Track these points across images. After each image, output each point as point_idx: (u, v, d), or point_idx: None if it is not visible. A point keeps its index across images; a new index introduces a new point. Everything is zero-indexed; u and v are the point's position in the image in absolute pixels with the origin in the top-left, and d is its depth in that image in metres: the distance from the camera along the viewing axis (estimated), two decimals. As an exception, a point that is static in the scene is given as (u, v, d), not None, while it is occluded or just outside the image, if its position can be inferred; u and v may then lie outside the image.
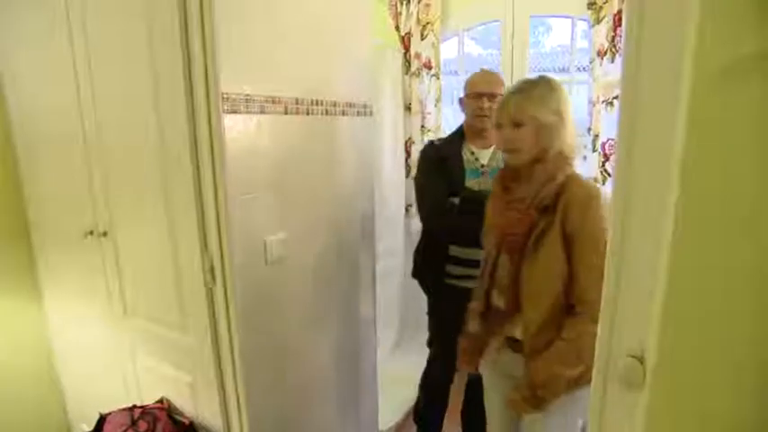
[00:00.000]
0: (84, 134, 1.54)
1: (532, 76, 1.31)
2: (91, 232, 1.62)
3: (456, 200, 1.70)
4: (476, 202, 1.53)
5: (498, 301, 1.36)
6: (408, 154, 2.89)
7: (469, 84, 1.79)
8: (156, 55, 1.28)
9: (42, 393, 2.00)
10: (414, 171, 2.88)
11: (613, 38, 2.18)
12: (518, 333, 1.31)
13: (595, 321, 1.16)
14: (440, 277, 1.81)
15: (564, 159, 1.26)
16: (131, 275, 1.58)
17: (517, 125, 1.25)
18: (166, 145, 1.33)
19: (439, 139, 1.96)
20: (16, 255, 1.87)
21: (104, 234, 1.59)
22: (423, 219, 1.86)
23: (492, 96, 1.71)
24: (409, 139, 2.86)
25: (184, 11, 1.19)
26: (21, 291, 1.90)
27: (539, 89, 1.26)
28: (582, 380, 1.24)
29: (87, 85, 1.49)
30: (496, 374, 1.45)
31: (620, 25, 2.10)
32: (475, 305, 1.44)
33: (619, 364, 0.77)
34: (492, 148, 1.77)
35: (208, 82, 1.20)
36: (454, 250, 1.76)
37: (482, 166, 1.77)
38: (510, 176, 1.34)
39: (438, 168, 1.75)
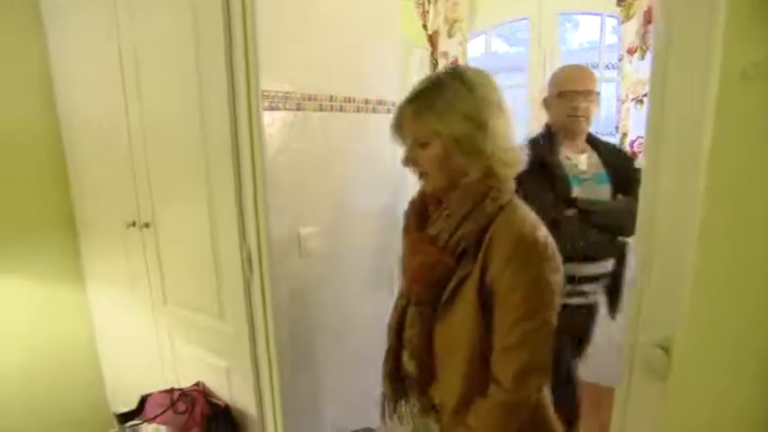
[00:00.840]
0: (129, 128, 1.63)
1: (439, 71, 0.99)
2: (133, 223, 1.71)
3: (572, 212, 1.50)
4: (589, 213, 1.46)
5: (409, 365, 1.06)
6: (434, 151, 2.91)
7: (561, 81, 1.59)
8: (200, 53, 1.35)
9: (84, 378, 2.10)
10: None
11: (644, 35, 2.16)
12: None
13: (505, 407, 0.92)
14: None
15: (494, 182, 0.94)
16: (172, 265, 1.66)
17: (422, 144, 0.95)
18: (208, 140, 1.40)
19: (526, 145, 1.73)
20: (62, 245, 1.97)
21: (146, 225, 1.67)
22: None
23: (588, 94, 1.56)
24: (435, 136, 2.89)
25: (228, 11, 1.26)
26: (66, 279, 2.00)
27: (444, 91, 0.94)
28: None
29: (132, 81, 1.57)
30: None
31: (650, 22, 2.08)
32: (384, 367, 1.16)
33: (645, 353, 0.79)
34: (586, 152, 1.60)
35: (249, 80, 1.26)
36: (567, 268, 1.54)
37: (582, 172, 1.57)
38: (432, 203, 1.03)
39: (541, 176, 1.48)
